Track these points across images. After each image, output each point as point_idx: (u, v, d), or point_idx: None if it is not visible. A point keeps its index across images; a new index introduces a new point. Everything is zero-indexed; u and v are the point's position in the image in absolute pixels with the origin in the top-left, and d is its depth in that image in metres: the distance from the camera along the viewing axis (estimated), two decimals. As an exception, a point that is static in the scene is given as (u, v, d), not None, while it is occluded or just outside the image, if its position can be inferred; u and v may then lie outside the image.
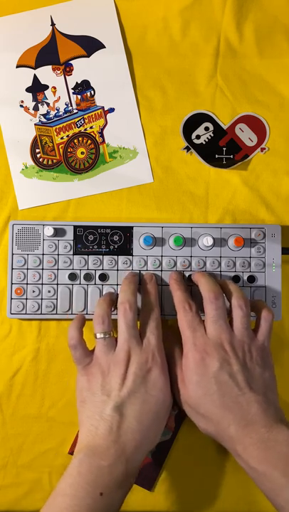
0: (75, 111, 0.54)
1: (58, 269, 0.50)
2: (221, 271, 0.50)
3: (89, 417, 0.42)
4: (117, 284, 0.50)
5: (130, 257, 0.50)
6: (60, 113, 0.54)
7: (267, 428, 0.41)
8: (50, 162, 0.54)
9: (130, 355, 0.43)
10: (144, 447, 0.42)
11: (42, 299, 0.50)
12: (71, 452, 0.51)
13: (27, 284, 0.50)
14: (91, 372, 0.44)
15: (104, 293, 0.50)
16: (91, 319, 0.47)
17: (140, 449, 0.42)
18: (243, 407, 0.41)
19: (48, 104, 0.54)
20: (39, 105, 0.54)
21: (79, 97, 0.54)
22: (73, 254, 0.50)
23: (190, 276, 0.50)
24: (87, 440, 0.41)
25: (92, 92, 0.54)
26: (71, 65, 0.54)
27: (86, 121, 0.54)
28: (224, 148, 0.54)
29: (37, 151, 0.54)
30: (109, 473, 0.39)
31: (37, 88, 0.54)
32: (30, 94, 0.54)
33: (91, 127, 0.54)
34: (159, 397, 0.43)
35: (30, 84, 0.54)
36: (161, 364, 0.44)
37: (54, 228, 0.49)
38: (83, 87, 0.54)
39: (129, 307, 0.44)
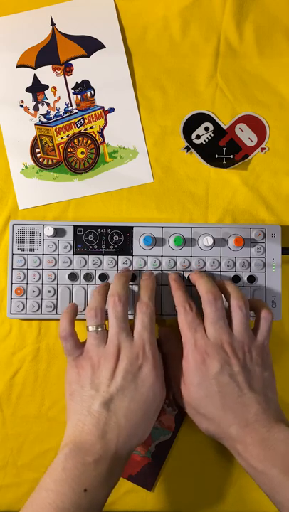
0: (75, 111, 0.54)
1: (57, 269, 0.50)
2: (220, 271, 0.50)
3: (76, 412, 0.42)
4: (117, 284, 0.50)
5: (130, 257, 0.50)
6: (60, 113, 0.54)
7: (267, 428, 0.41)
8: (50, 162, 0.54)
9: (120, 350, 0.43)
10: (131, 444, 0.42)
11: (42, 299, 0.50)
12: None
13: (27, 284, 0.50)
14: (81, 365, 0.44)
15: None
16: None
17: (127, 446, 0.41)
18: (243, 408, 0.42)
19: (48, 104, 0.54)
20: (39, 105, 0.54)
21: (79, 97, 0.54)
22: (73, 254, 0.50)
23: (189, 277, 0.50)
24: (74, 435, 0.41)
25: (92, 92, 0.54)
26: (71, 65, 0.54)
27: (86, 121, 0.54)
28: (224, 148, 0.54)
29: (37, 151, 0.54)
30: (94, 469, 0.39)
31: (37, 88, 0.54)
32: (30, 94, 0.54)
33: (91, 127, 0.54)
34: (149, 395, 0.42)
35: (30, 84, 0.54)
36: (152, 360, 0.43)
37: (54, 228, 0.49)
38: (83, 87, 0.54)
39: (118, 300, 0.44)
